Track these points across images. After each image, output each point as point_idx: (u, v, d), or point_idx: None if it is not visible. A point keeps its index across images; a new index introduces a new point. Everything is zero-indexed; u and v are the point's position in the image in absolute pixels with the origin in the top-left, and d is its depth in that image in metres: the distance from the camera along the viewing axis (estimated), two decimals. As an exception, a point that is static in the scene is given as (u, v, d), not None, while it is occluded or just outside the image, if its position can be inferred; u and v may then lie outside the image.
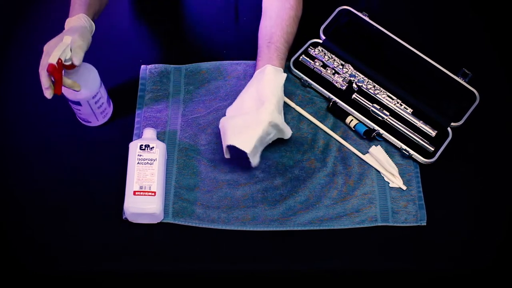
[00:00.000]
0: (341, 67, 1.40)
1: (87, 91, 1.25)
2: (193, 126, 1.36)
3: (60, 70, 1.16)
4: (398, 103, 1.37)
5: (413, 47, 1.43)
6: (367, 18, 1.46)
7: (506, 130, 1.40)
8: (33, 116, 1.35)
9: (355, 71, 1.40)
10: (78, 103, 1.27)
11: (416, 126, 1.35)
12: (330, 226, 1.27)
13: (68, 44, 1.16)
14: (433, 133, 1.34)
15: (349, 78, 1.39)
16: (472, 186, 1.34)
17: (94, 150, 1.32)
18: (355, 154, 1.35)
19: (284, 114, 1.38)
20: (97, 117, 1.33)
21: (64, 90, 1.23)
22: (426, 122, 1.36)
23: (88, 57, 1.23)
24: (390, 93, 1.38)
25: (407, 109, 1.37)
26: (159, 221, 1.26)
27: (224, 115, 1.36)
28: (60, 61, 1.15)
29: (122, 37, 1.45)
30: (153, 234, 1.25)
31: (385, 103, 1.37)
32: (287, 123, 1.37)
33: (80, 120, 1.35)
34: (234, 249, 1.25)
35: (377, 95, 1.38)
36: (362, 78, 1.39)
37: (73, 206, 1.27)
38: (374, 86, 1.38)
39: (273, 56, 1.31)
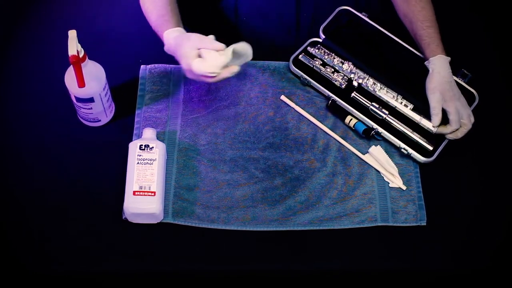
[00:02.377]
0: (340, 64, 1.40)
1: (98, 84, 1.26)
2: (193, 126, 1.36)
3: (82, 60, 1.19)
4: (398, 100, 1.37)
5: (413, 47, 1.43)
6: (367, 18, 1.46)
7: (505, 130, 1.41)
8: (33, 116, 1.35)
9: (355, 68, 1.40)
10: (90, 100, 1.26)
11: (416, 123, 1.35)
12: (330, 226, 1.27)
13: (75, 36, 1.17)
14: (434, 129, 1.34)
15: (349, 75, 1.39)
16: (472, 186, 1.34)
17: (94, 150, 1.32)
18: (355, 154, 1.35)
19: (284, 114, 1.38)
20: (106, 113, 1.33)
21: (76, 90, 1.24)
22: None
23: (89, 57, 1.23)
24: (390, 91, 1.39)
25: (407, 106, 1.37)
26: (159, 221, 1.25)
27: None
28: (78, 52, 1.17)
29: (122, 37, 1.45)
30: (153, 234, 1.25)
31: (385, 100, 1.37)
32: (287, 122, 1.37)
33: (87, 122, 1.34)
34: (234, 249, 1.25)
35: (377, 92, 1.37)
36: (363, 75, 1.39)
37: (73, 206, 1.26)
38: (374, 83, 1.38)
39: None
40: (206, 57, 1.18)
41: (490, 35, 1.53)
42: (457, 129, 1.31)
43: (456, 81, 1.41)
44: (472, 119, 1.32)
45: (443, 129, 1.31)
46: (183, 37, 1.22)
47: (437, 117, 1.30)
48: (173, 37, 1.24)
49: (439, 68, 1.32)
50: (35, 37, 1.44)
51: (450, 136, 1.33)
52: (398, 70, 1.41)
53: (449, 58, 1.33)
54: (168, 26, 1.25)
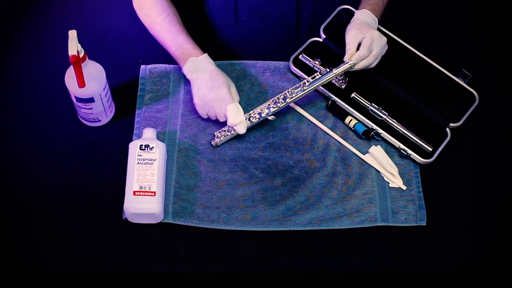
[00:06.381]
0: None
1: (98, 84, 1.26)
2: (193, 126, 1.36)
3: (82, 60, 1.19)
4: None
5: (413, 47, 1.43)
6: (367, 18, 1.46)
7: (505, 131, 1.41)
8: (33, 116, 1.35)
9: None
10: (91, 100, 1.26)
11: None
12: (330, 226, 1.27)
13: (76, 36, 1.17)
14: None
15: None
16: (471, 186, 1.34)
17: (94, 150, 1.32)
18: (355, 154, 1.35)
19: (284, 114, 1.38)
20: (106, 113, 1.33)
21: (76, 90, 1.24)
22: (425, 122, 1.36)
23: (89, 57, 1.23)
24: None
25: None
26: (159, 221, 1.26)
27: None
28: (78, 52, 1.17)
29: (122, 37, 1.45)
30: (153, 234, 1.25)
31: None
32: (287, 122, 1.37)
33: (87, 122, 1.34)
34: (234, 249, 1.25)
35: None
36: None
37: (73, 206, 1.27)
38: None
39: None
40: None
41: (490, 35, 1.53)
42: (363, 58, 1.30)
43: (456, 81, 1.41)
44: (378, 54, 1.31)
45: (353, 56, 1.30)
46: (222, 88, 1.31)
47: (349, 51, 1.30)
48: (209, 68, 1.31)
49: (359, 16, 1.35)
50: (35, 37, 1.44)
51: (344, 67, 1.31)
52: (398, 70, 1.41)
53: (373, 16, 1.35)
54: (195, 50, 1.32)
